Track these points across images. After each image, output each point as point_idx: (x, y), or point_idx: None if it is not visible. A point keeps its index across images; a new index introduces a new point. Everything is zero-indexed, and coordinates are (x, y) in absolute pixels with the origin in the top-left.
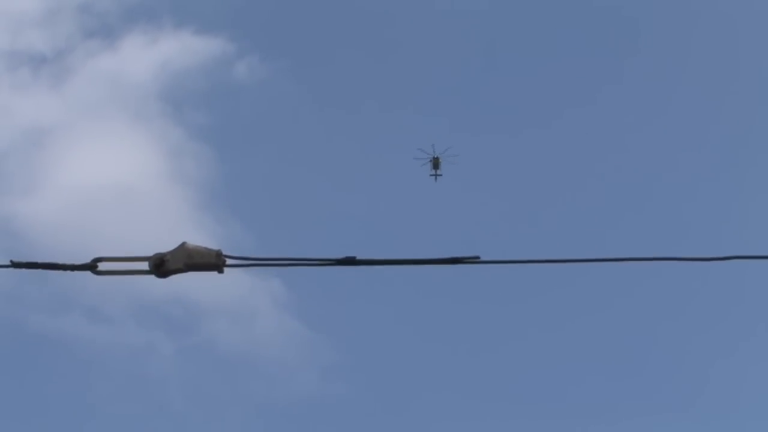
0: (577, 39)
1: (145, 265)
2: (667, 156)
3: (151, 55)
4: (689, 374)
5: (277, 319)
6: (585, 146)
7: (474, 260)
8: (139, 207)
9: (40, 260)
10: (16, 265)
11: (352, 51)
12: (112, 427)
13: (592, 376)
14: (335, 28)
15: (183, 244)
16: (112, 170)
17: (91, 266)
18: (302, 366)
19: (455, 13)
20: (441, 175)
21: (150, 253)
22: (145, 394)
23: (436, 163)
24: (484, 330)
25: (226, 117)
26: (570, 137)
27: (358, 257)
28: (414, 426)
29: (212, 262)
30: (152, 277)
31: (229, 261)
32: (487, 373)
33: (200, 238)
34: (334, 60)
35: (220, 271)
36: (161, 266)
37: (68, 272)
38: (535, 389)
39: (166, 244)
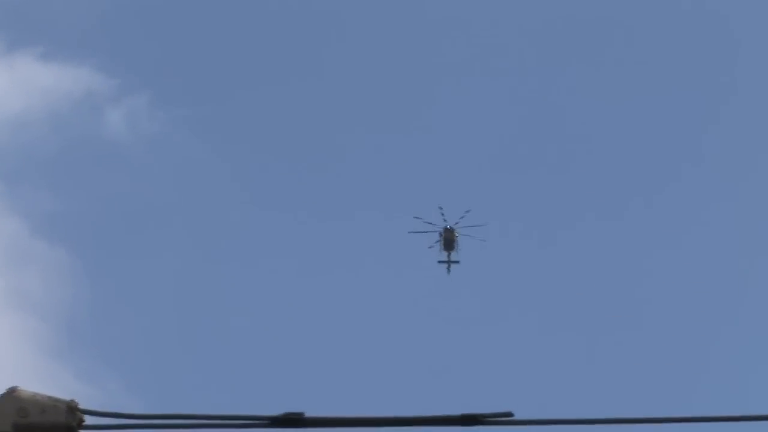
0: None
1: None
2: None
3: None
4: None
5: None
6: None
7: (505, 417)
8: None
9: None
10: None
11: (274, 92)
12: None
13: None
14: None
15: (12, 391)
16: None
17: None
18: None
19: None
20: (458, 261)
21: None
22: None
23: (449, 240)
24: None
25: (91, 197)
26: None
27: (307, 414)
28: None
29: (60, 420)
30: None
31: (88, 419)
32: None
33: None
34: (253, 107)
35: None
36: None
37: None
38: None
39: None
